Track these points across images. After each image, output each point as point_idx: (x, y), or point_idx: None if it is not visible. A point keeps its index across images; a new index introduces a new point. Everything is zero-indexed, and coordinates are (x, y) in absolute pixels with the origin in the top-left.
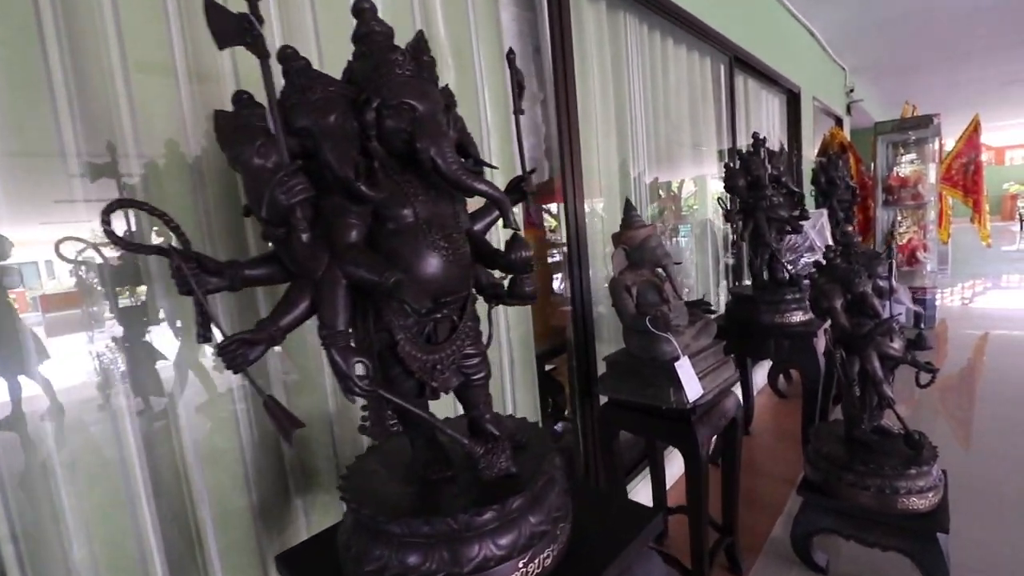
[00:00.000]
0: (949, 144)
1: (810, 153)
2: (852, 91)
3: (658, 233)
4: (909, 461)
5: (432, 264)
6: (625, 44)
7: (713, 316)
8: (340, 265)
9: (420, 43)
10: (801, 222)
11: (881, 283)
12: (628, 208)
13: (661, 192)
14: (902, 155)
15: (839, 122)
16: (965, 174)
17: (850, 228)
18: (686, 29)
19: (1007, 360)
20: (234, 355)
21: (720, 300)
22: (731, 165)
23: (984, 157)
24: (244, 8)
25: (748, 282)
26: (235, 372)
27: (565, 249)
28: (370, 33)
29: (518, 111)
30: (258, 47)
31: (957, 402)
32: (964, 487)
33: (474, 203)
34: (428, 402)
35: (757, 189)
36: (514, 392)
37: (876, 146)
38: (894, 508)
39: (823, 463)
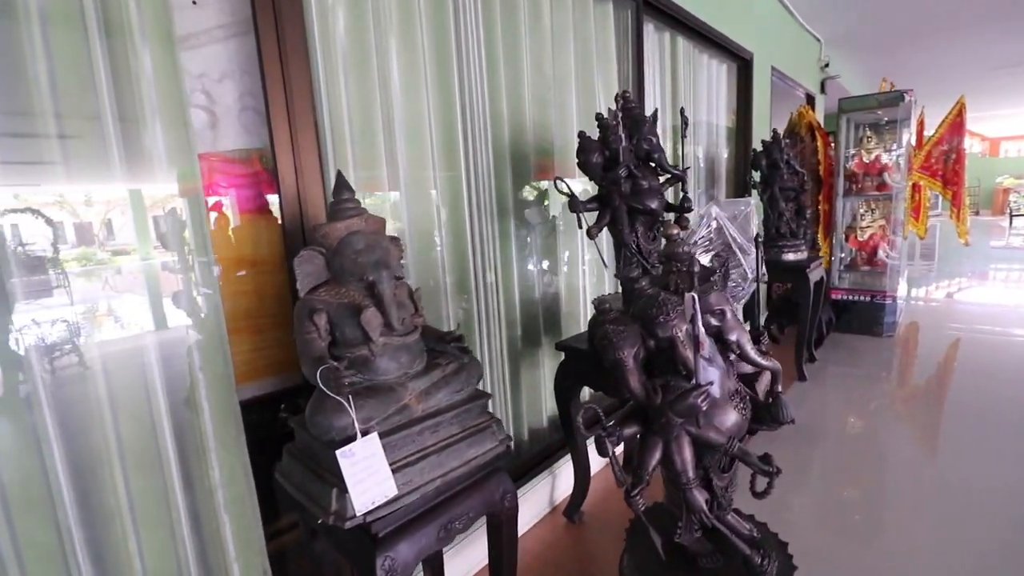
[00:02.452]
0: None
1: (765, 133)
2: (827, 66)
3: (380, 229)
4: None
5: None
6: None
7: (468, 358)
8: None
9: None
10: (669, 213)
11: (714, 321)
12: (339, 186)
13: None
14: (869, 138)
15: (811, 100)
16: (945, 163)
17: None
18: None
19: (979, 369)
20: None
21: None
22: (584, 133)
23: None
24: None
25: None
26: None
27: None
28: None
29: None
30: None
31: (921, 416)
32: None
33: None
34: None
35: (613, 167)
36: (217, 449)
37: (839, 126)
38: None
39: None
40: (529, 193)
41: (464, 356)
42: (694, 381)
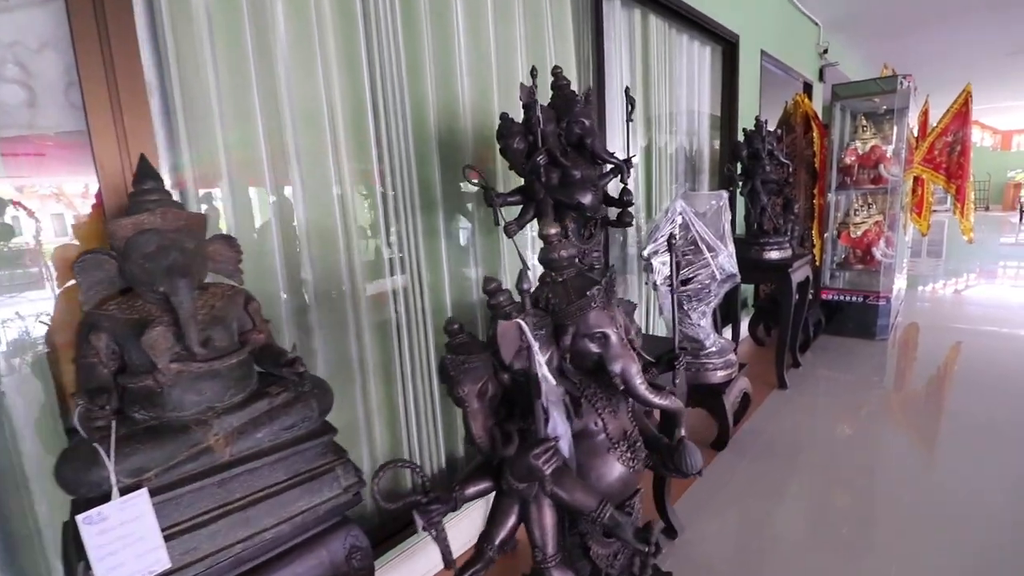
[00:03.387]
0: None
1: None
2: (826, 51)
3: (187, 227)
4: None
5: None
6: None
7: (303, 387)
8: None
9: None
10: (612, 210)
11: (594, 347)
12: (141, 173)
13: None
14: (865, 127)
15: (808, 89)
16: (950, 155)
17: (791, 217)
18: None
19: (981, 374)
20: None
21: None
22: (507, 115)
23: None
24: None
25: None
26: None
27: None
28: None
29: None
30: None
31: (914, 425)
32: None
33: None
34: None
35: (531, 154)
36: None
37: (832, 114)
38: None
39: None
40: (465, 184)
41: (302, 383)
42: (544, 433)
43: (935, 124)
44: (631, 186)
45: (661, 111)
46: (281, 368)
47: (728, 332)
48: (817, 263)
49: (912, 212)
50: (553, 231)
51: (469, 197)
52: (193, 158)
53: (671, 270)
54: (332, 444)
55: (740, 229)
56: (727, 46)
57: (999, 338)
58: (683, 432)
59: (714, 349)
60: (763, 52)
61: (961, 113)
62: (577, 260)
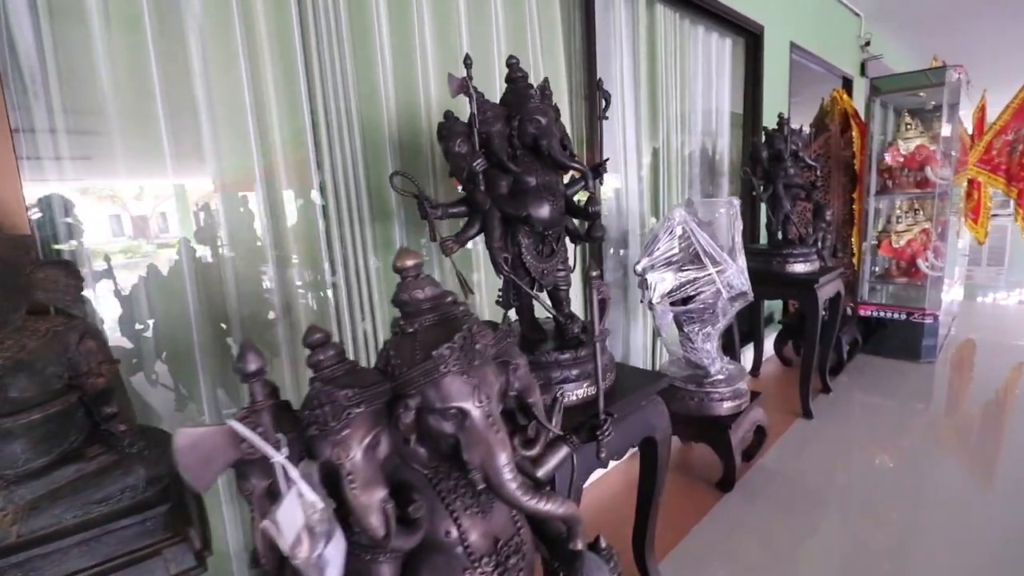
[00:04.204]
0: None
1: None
2: (868, 44)
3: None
4: None
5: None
6: None
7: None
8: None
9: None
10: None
11: (447, 428)
12: None
13: None
14: (909, 125)
15: (848, 85)
16: (1010, 155)
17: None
18: None
19: None
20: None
21: None
22: (451, 113)
23: None
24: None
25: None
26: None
27: None
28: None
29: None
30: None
31: (971, 458)
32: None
33: None
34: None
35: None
36: None
37: (871, 111)
38: None
39: None
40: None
41: (124, 444)
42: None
43: (993, 121)
44: (632, 192)
45: (671, 110)
46: (103, 423)
47: (750, 351)
48: (854, 275)
49: (968, 218)
50: (410, 263)
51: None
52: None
53: (667, 287)
54: (167, 519)
55: (764, 239)
56: (750, 38)
57: None
58: (581, 544)
59: (721, 377)
60: (793, 45)
61: (1023, 109)
62: (450, 301)
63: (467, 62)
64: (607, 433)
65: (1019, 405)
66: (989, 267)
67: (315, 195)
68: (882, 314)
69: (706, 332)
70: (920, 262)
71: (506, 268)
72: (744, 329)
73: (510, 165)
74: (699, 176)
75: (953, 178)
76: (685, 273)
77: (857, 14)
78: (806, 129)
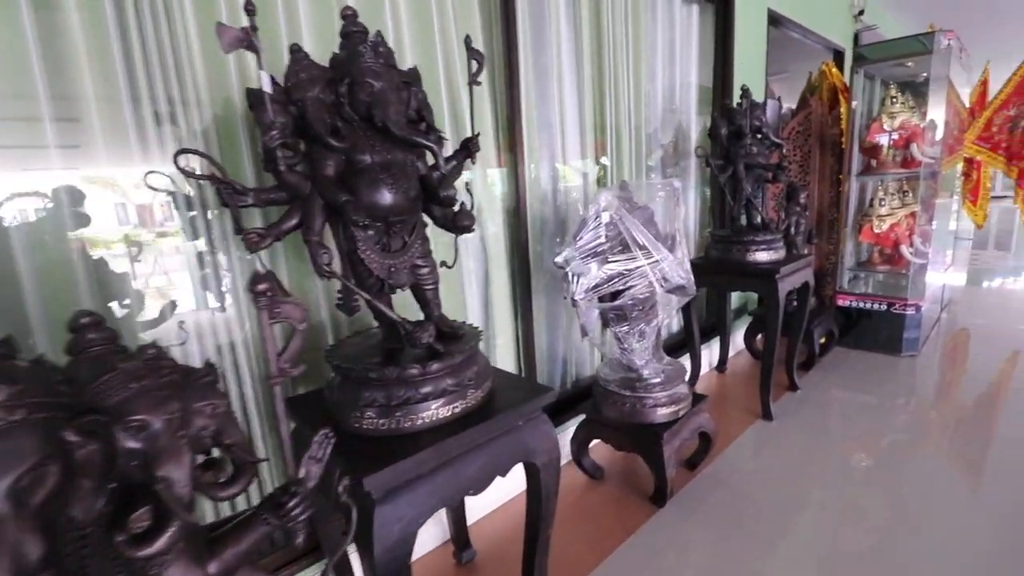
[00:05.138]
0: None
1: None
2: (862, 13)
3: None
4: None
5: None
6: None
7: None
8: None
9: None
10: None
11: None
12: None
13: None
14: (894, 98)
15: (839, 58)
16: (1011, 133)
17: (795, 209)
18: None
19: None
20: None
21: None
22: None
23: None
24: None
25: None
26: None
27: None
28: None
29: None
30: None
31: (951, 462)
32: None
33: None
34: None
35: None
36: None
37: (853, 82)
38: None
39: None
40: None
41: None
42: None
43: (994, 96)
44: (573, 176)
45: (622, 83)
46: None
47: (715, 344)
48: (835, 262)
49: (966, 200)
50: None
51: None
52: None
53: (592, 281)
54: None
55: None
56: (719, 3)
57: None
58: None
59: (655, 380)
60: (771, 12)
61: None
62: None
63: (248, 8)
64: (294, 515)
65: (1011, 398)
66: (996, 251)
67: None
68: (861, 304)
69: (639, 330)
70: (904, 248)
71: (326, 269)
72: (712, 320)
73: (330, 140)
74: (661, 158)
75: (947, 157)
76: (613, 265)
77: None
78: (790, 106)
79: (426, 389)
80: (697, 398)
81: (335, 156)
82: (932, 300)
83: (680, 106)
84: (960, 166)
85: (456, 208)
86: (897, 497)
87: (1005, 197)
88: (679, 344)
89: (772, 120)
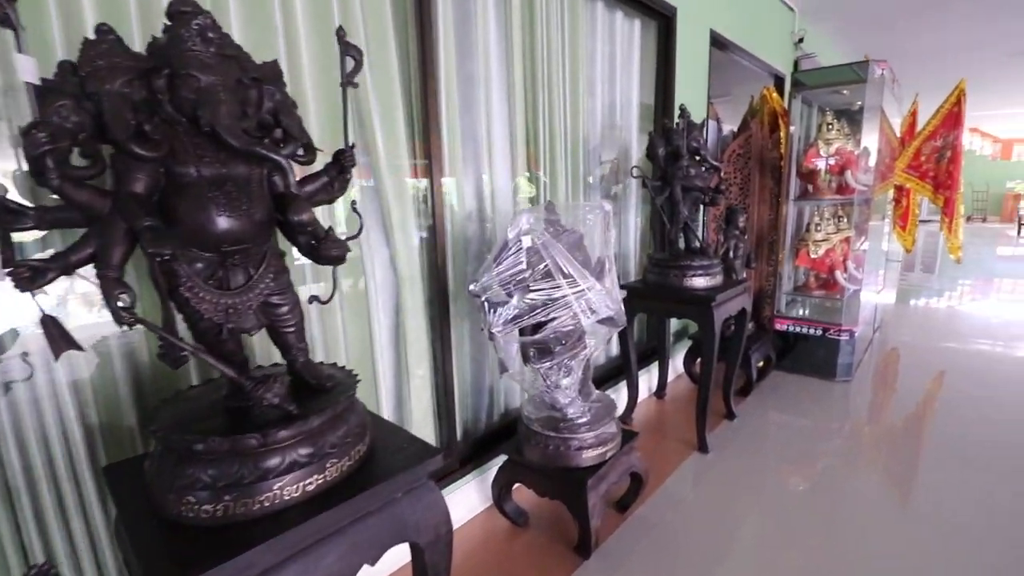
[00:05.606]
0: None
1: (700, 116)
2: (801, 41)
3: None
4: None
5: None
6: None
7: None
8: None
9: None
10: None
11: None
12: None
13: None
14: (830, 125)
15: (780, 83)
16: (938, 162)
17: (735, 233)
18: None
19: (967, 405)
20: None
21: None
22: (68, 63)
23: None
24: None
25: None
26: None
27: None
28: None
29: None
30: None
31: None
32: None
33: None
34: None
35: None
36: None
37: (791, 108)
38: None
39: None
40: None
41: None
42: None
43: (923, 126)
44: (502, 195)
45: (557, 97)
46: None
47: (654, 369)
48: (771, 286)
49: (896, 225)
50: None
51: None
52: None
53: (511, 312)
54: None
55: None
56: (661, 20)
57: (989, 359)
58: None
59: (582, 420)
60: (714, 33)
61: (953, 114)
62: None
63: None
64: None
65: (936, 419)
66: (922, 272)
67: None
68: (798, 328)
69: (564, 366)
70: (838, 274)
71: (124, 314)
72: (651, 344)
73: (132, 146)
74: (602, 176)
75: (879, 184)
76: (535, 295)
77: (791, 8)
78: (732, 128)
79: (270, 463)
80: (628, 436)
81: (148, 168)
82: (865, 323)
83: (622, 123)
84: (891, 192)
85: (326, 234)
86: (830, 519)
87: (931, 221)
88: (616, 370)
89: (713, 142)
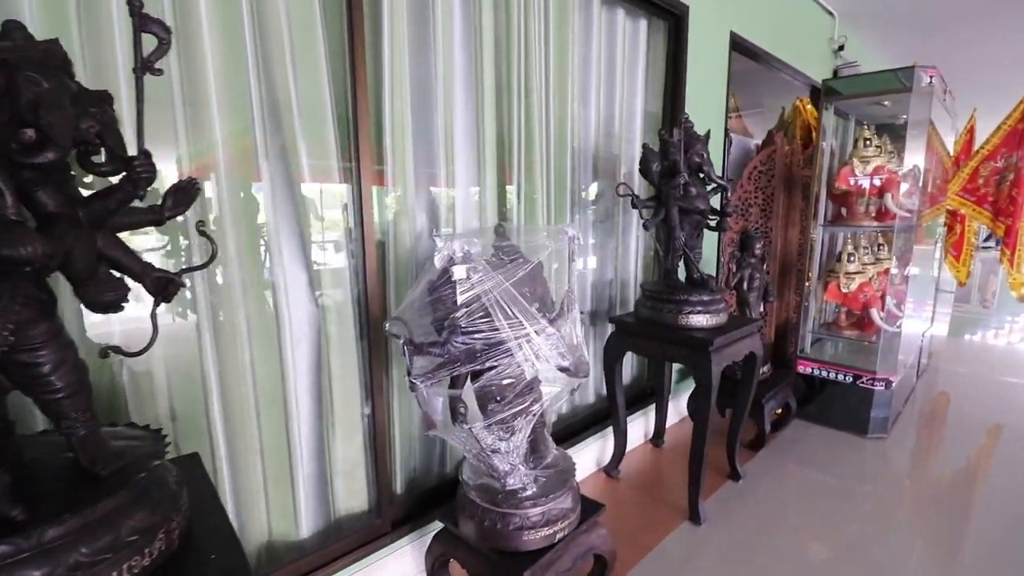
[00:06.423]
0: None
1: (718, 127)
2: (842, 48)
3: None
4: None
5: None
6: None
7: None
8: None
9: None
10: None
11: None
12: None
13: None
14: (868, 141)
15: (816, 94)
16: (998, 186)
17: (751, 261)
18: None
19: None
20: None
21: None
22: None
23: None
24: None
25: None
26: None
27: None
28: None
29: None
30: None
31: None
32: None
33: None
34: None
35: None
36: None
37: (822, 121)
38: None
39: None
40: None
41: None
42: None
43: (980, 145)
44: (466, 219)
45: (536, 104)
46: None
47: (651, 411)
48: (794, 322)
49: (948, 255)
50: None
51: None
52: None
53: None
54: None
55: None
56: (671, 20)
57: None
58: None
59: (527, 493)
60: (735, 36)
61: (1017, 132)
62: None
63: None
64: None
65: (990, 483)
66: (979, 305)
67: None
68: (824, 373)
69: (506, 426)
70: (874, 312)
71: None
72: (650, 384)
73: None
74: (595, 196)
75: (927, 209)
76: (468, 338)
77: (831, 13)
78: (755, 143)
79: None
80: (590, 509)
81: None
82: (906, 368)
83: (623, 134)
84: (943, 219)
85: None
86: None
87: (987, 248)
88: (605, 412)
89: (737, 158)
